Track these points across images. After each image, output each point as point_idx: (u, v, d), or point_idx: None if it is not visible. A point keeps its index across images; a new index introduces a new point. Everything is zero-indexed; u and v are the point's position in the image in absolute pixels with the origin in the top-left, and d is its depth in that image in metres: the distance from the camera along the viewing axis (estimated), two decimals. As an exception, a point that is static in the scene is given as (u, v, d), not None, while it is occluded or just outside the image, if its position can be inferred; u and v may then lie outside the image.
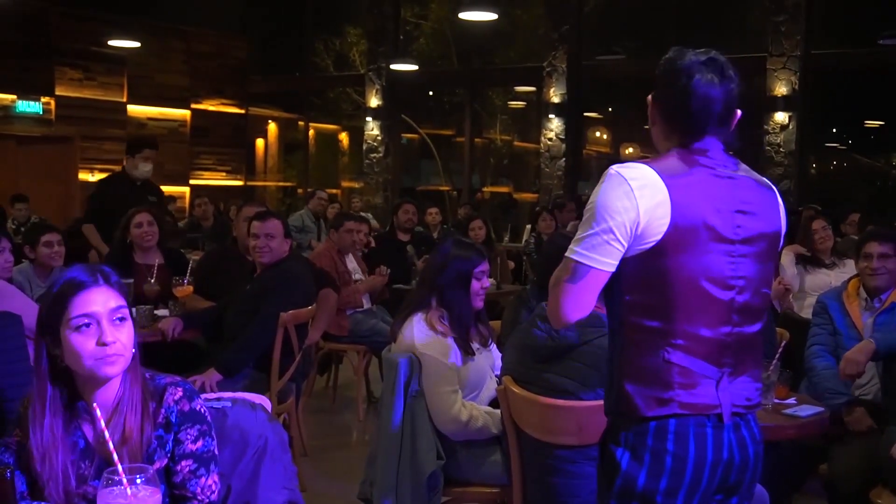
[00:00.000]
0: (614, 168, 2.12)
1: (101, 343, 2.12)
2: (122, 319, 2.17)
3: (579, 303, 2.15)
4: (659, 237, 2.07)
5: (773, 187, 2.29)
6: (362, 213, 12.85)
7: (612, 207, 2.07)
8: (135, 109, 14.61)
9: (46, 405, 2.15)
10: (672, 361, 2.12)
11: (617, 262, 2.10)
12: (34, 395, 2.17)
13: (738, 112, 2.23)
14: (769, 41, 11.43)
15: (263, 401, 2.62)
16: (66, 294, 2.14)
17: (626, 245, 2.08)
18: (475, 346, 3.67)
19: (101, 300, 2.15)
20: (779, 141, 11.27)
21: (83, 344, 2.12)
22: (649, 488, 2.13)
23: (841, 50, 11.51)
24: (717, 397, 2.14)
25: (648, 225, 2.07)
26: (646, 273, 2.11)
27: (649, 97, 2.27)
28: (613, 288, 2.17)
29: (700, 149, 2.17)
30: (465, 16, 10.39)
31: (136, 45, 12.97)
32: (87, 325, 2.13)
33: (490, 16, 10.27)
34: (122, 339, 2.16)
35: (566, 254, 2.13)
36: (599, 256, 2.09)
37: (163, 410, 2.22)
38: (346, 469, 5.15)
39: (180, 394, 2.24)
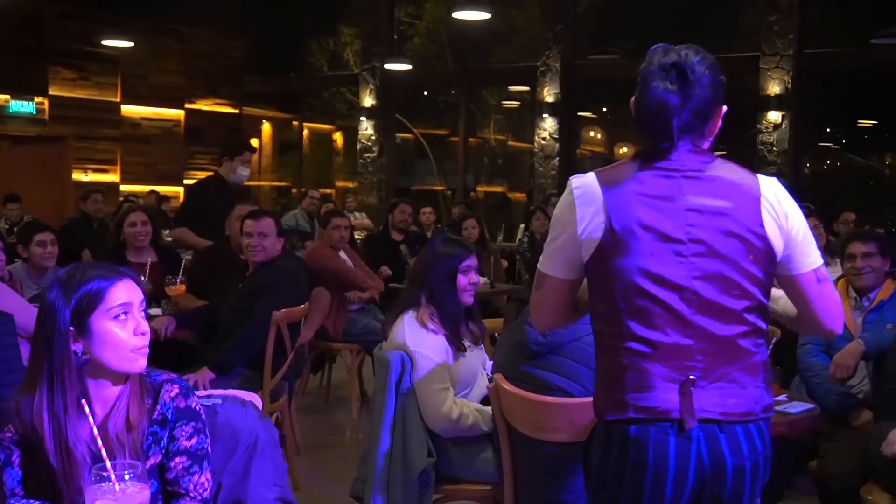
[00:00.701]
0: (571, 178, 2.21)
1: (140, 333, 2.16)
2: (144, 313, 2.21)
3: (544, 309, 2.31)
4: (597, 240, 2.11)
5: (757, 186, 2.15)
6: (356, 213, 12.91)
7: (559, 217, 2.20)
8: (129, 109, 14.61)
9: (67, 400, 2.13)
10: (625, 364, 2.10)
11: (569, 270, 2.21)
12: (49, 391, 2.13)
13: (723, 108, 2.19)
14: (762, 40, 11.45)
15: (254, 398, 2.63)
16: (102, 284, 2.14)
17: (574, 253, 2.16)
18: (467, 343, 3.68)
19: (133, 292, 2.18)
20: (772, 140, 11.29)
21: (121, 334, 2.14)
22: (617, 493, 2.11)
23: (834, 49, 11.54)
24: (676, 402, 2.05)
25: (589, 232, 2.12)
26: (594, 279, 2.17)
27: (632, 99, 2.22)
28: None
29: (663, 150, 2.14)
30: (459, 15, 10.39)
31: (130, 44, 12.97)
32: (125, 314, 2.15)
33: (484, 15, 10.27)
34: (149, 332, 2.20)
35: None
36: (551, 264, 2.23)
37: (159, 407, 2.22)
38: (340, 467, 5.16)
39: (177, 391, 2.25)
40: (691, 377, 2.05)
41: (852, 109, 13.14)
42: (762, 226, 2.11)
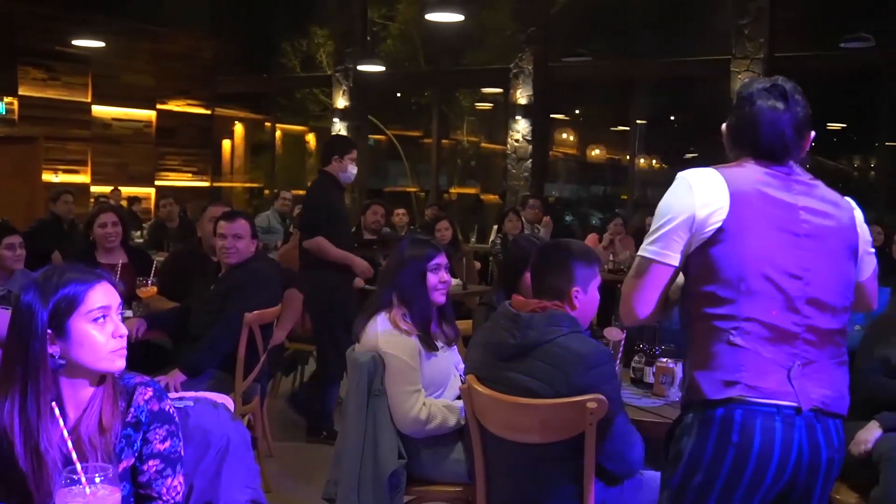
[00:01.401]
0: (681, 173, 2.30)
1: (118, 335, 2.15)
2: (121, 316, 2.21)
3: (647, 299, 2.30)
4: (718, 224, 2.20)
5: (851, 206, 2.41)
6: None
7: (672, 204, 2.26)
8: (99, 110, 14.51)
9: (40, 403, 2.11)
10: (738, 343, 2.18)
11: (679, 256, 2.26)
12: (22, 394, 2.10)
13: (812, 133, 2.35)
14: (733, 43, 11.54)
15: (226, 400, 2.63)
16: (80, 287, 2.13)
17: (687, 238, 2.24)
18: (440, 344, 3.68)
19: (111, 295, 2.17)
20: (743, 143, 11.35)
21: (100, 336, 2.13)
22: (709, 479, 2.15)
23: (804, 53, 11.64)
24: (789, 385, 2.16)
25: (707, 216, 2.21)
26: (710, 261, 2.21)
27: (723, 126, 2.43)
28: (685, 285, 2.31)
29: (777, 158, 2.32)
30: (432, 17, 10.40)
31: (101, 44, 12.87)
32: (104, 317, 2.14)
33: (457, 17, 10.29)
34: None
35: (638, 252, 2.32)
36: (661, 250, 2.26)
37: (132, 410, 2.21)
38: (312, 469, 5.15)
39: (150, 393, 2.24)
40: (798, 363, 2.18)
41: (822, 112, 13.25)
42: (857, 240, 2.34)
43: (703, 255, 2.22)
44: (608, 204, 14.96)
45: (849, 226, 2.34)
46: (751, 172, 2.28)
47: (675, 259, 2.26)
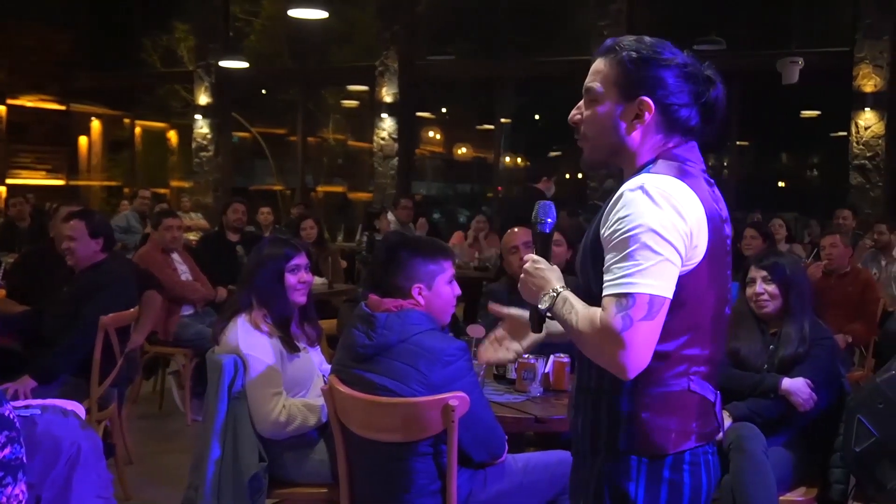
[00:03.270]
0: (653, 180, 1.91)
1: None
2: None
3: (653, 342, 1.86)
4: (703, 255, 1.92)
5: None
6: (192, 214, 12.62)
7: (667, 227, 1.85)
8: (-56, 105, 13.86)
9: None
10: (695, 391, 1.98)
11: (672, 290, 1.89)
12: None
13: None
14: (592, 45, 11.81)
15: (76, 407, 2.55)
16: None
17: (677, 271, 1.89)
18: (302, 344, 3.65)
19: None
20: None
21: None
22: None
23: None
24: (719, 419, 2.07)
25: (696, 244, 1.91)
26: (684, 295, 1.91)
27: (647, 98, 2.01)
28: None
29: (694, 148, 2.08)
30: (296, 13, 10.30)
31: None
32: None
33: (321, 14, 10.22)
34: None
35: (624, 290, 1.83)
36: (666, 284, 1.85)
37: None
38: (173, 475, 5.01)
39: (-15, 399, 2.15)
40: (718, 393, 2.07)
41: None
42: None
43: (678, 286, 1.90)
44: (475, 201, 15.13)
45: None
46: (703, 182, 2.00)
47: (671, 292, 1.87)
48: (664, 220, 1.85)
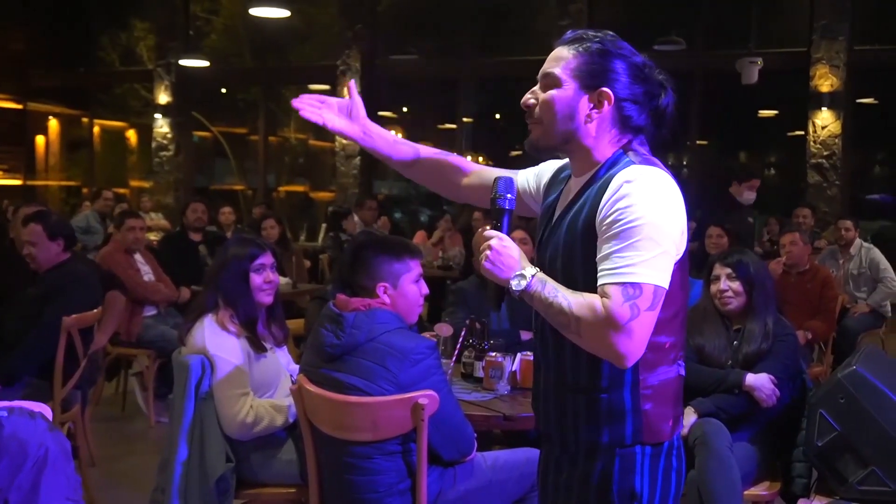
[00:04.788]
0: (647, 176, 1.94)
1: None
2: None
3: (651, 332, 1.91)
4: (684, 249, 1.99)
5: None
6: (152, 214, 12.50)
7: (667, 220, 1.91)
8: None
9: None
10: (683, 376, 2.08)
11: None
12: None
13: None
14: (553, 44, 11.84)
15: (43, 409, 2.51)
16: None
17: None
18: (269, 344, 3.64)
19: None
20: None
21: None
22: None
23: (620, 54, 12.07)
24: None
25: (685, 233, 1.98)
26: (675, 286, 1.95)
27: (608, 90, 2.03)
28: None
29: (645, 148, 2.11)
30: (256, 12, 10.25)
31: None
32: None
33: (283, 13, 10.17)
34: None
35: (631, 279, 1.86)
36: (666, 275, 1.90)
37: None
38: (137, 477, 4.98)
39: (-50, 403, 2.12)
40: None
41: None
42: None
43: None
44: (436, 201, 15.12)
45: None
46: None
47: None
48: (664, 213, 1.90)
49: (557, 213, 2.13)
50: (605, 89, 2.02)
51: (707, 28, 12.21)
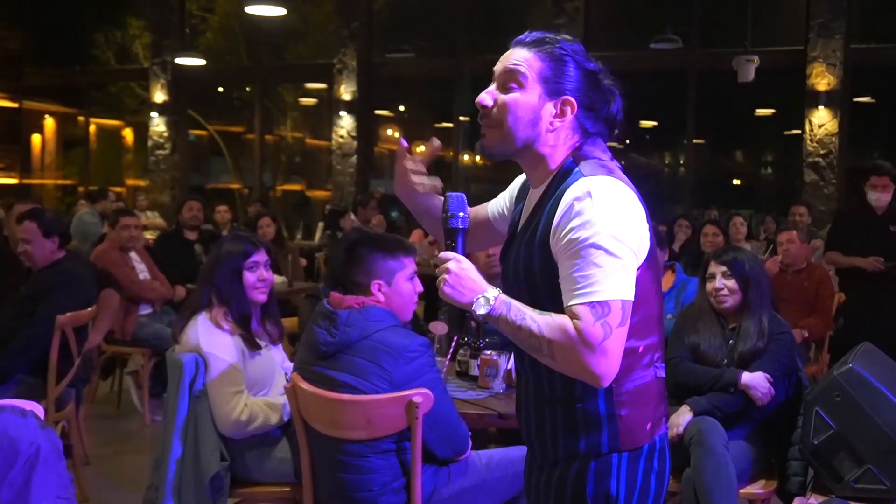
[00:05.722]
0: (600, 182, 1.89)
1: None
2: None
3: (622, 346, 1.85)
4: (647, 249, 1.93)
5: None
6: (148, 212, 12.49)
7: (628, 230, 1.86)
8: None
9: None
10: (661, 377, 2.02)
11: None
12: None
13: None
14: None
15: (35, 407, 2.50)
16: None
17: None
18: (263, 342, 3.63)
19: None
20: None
21: None
22: None
23: (616, 53, 12.08)
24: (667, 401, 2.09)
25: (647, 242, 1.93)
26: (641, 291, 1.90)
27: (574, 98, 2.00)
28: None
29: (604, 145, 2.07)
30: (253, 10, 10.23)
31: None
32: None
33: (279, 11, 10.15)
34: None
35: (598, 297, 1.81)
36: (630, 287, 1.85)
37: None
38: (131, 476, 4.97)
39: (-59, 401, 2.10)
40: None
41: (635, 111, 13.78)
42: None
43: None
44: (433, 200, 15.07)
45: None
46: (626, 179, 1.97)
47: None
48: (619, 224, 1.84)
49: (520, 226, 2.09)
50: (568, 97, 1.97)
51: (703, 26, 12.20)
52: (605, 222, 1.82)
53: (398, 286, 3.10)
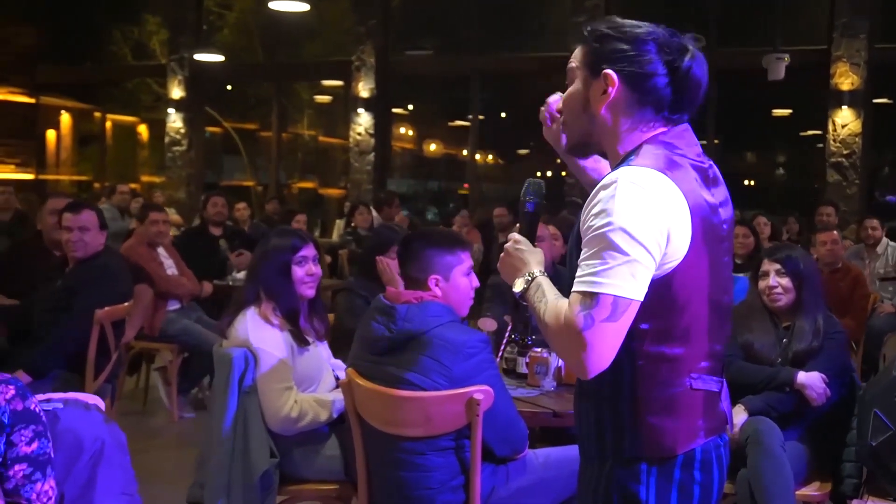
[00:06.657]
0: (630, 178, 1.81)
1: None
2: None
3: (615, 346, 1.78)
4: (685, 250, 1.83)
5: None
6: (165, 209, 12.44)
7: (642, 225, 1.77)
8: None
9: None
10: (698, 389, 1.92)
11: (645, 290, 1.80)
12: None
13: None
14: (569, 41, 11.80)
15: (97, 401, 2.46)
16: None
17: (655, 267, 1.80)
18: (310, 338, 3.57)
19: None
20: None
21: None
22: None
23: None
24: (726, 410, 2.00)
25: (677, 240, 1.82)
26: (668, 295, 1.85)
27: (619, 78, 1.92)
28: None
29: (686, 131, 1.98)
30: (276, 6, 10.18)
31: None
32: None
33: (303, 6, 10.10)
34: None
35: (589, 288, 1.76)
36: (636, 286, 1.77)
37: None
38: (158, 472, 4.89)
39: (13, 392, 2.06)
40: (723, 382, 2.01)
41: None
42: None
43: (659, 286, 1.83)
44: (444, 199, 15.08)
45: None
46: (688, 172, 1.88)
47: (643, 293, 1.79)
48: (636, 219, 1.76)
49: None
50: (607, 71, 1.92)
51: (722, 25, 12.13)
52: (620, 215, 1.76)
53: (455, 281, 3.06)
